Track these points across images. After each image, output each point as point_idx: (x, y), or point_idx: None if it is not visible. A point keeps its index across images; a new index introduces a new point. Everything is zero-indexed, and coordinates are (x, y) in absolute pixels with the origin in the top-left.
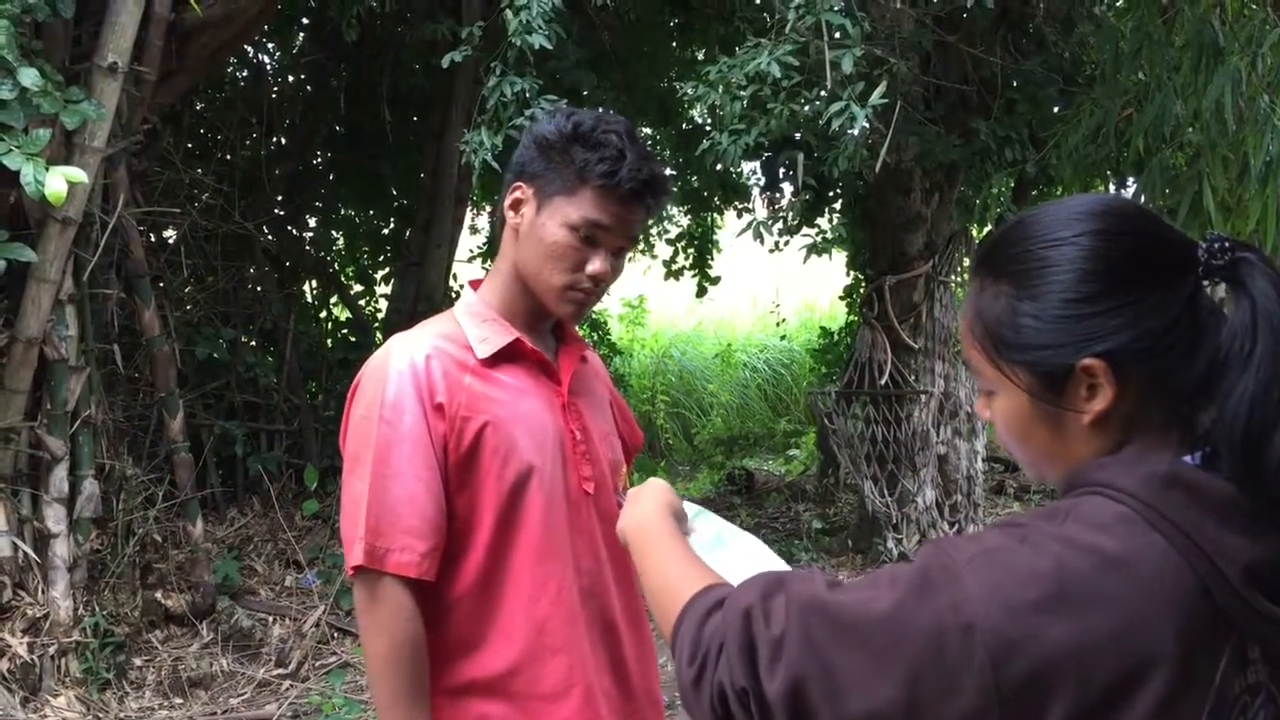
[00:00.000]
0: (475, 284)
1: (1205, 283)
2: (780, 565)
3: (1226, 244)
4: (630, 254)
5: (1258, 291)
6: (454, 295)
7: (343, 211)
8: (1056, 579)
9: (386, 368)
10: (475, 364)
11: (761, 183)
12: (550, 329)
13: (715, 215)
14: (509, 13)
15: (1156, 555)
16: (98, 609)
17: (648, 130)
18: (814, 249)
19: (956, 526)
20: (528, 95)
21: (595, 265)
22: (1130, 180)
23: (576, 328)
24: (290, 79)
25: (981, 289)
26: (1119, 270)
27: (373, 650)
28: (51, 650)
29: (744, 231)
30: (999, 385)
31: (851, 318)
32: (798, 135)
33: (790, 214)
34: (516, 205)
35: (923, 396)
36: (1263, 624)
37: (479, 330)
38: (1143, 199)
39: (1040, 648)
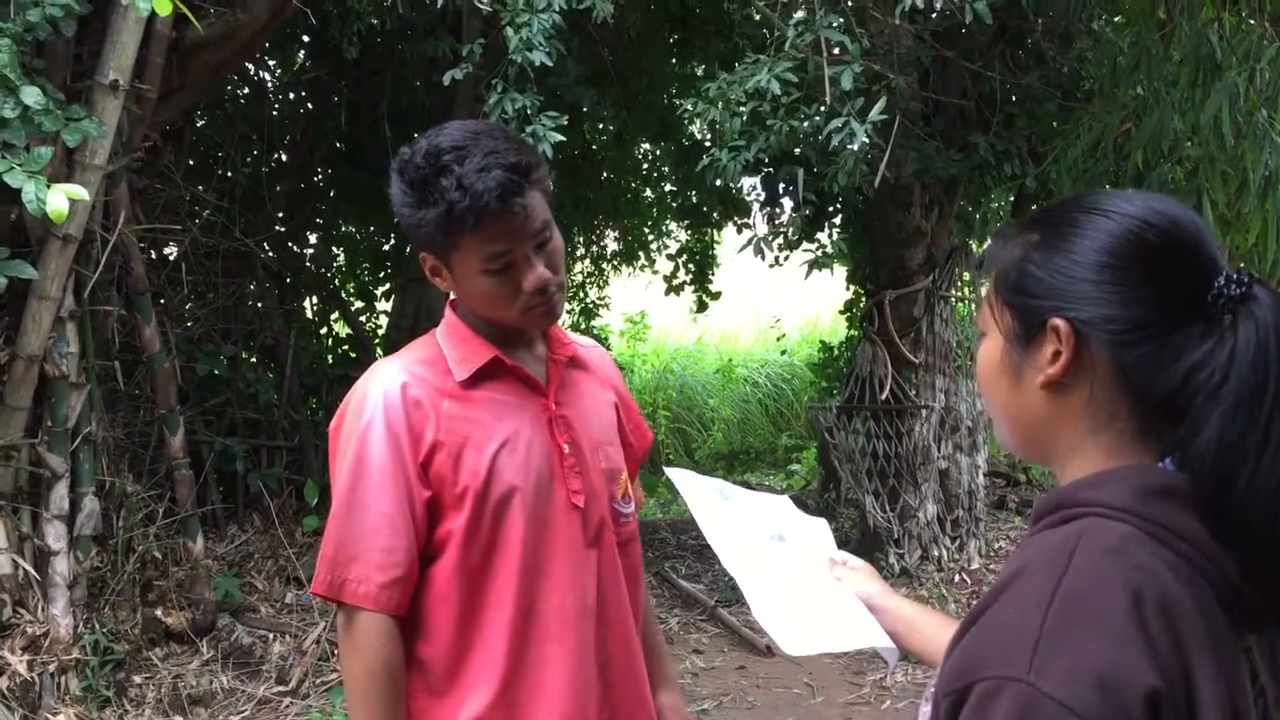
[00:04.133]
0: (455, 305)
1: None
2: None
3: (1246, 279)
4: (551, 230)
5: (1244, 333)
6: None
7: (343, 228)
8: (1110, 632)
9: (364, 401)
10: (453, 387)
11: (761, 198)
12: (540, 336)
13: (715, 231)
14: (509, 30)
15: (1167, 571)
16: (98, 626)
17: (647, 145)
18: (814, 264)
19: (958, 541)
20: (529, 112)
21: (529, 280)
22: None
23: (566, 331)
24: (291, 96)
25: (1015, 237)
26: (1133, 257)
27: (348, 674)
28: (51, 668)
29: (745, 247)
30: (989, 326)
31: (852, 332)
32: (797, 151)
33: (790, 229)
34: (435, 271)
35: (924, 411)
36: (1260, 616)
37: (457, 352)
38: None
39: (1139, 690)
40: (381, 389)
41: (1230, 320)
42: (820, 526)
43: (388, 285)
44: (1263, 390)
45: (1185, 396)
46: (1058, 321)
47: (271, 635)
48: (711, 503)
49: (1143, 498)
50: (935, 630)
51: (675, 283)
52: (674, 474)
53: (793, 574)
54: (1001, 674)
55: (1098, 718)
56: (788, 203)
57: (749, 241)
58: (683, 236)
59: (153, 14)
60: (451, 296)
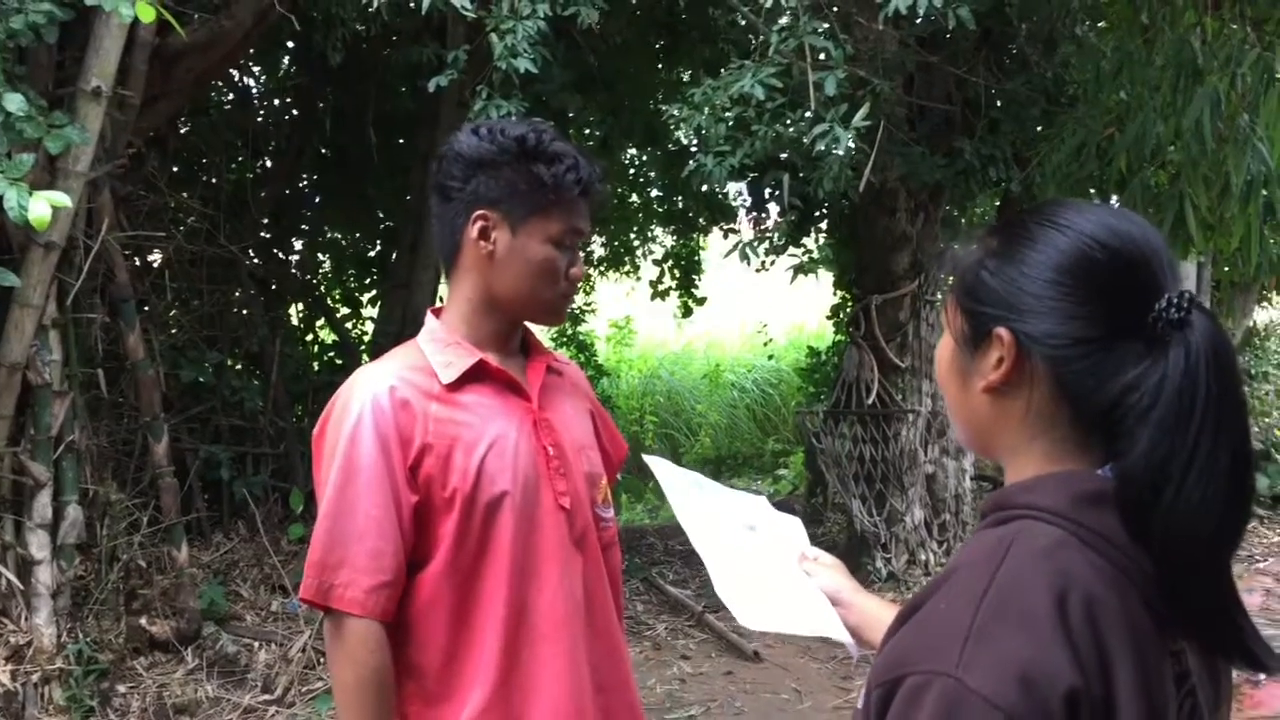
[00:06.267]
0: (437, 311)
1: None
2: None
3: (1186, 305)
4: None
5: (1175, 357)
6: None
7: (329, 234)
8: (1034, 631)
9: (349, 405)
10: (440, 391)
11: (747, 203)
12: (519, 344)
13: (701, 236)
14: (494, 36)
15: (1095, 575)
16: (81, 636)
17: (633, 151)
18: (800, 269)
19: (945, 546)
20: (514, 118)
21: (576, 268)
22: (1114, 199)
23: (544, 340)
24: (275, 102)
25: (977, 241)
26: (1079, 275)
27: (337, 681)
28: (35, 678)
29: (731, 252)
30: (946, 324)
31: (839, 337)
32: (782, 156)
33: (776, 234)
34: (485, 233)
35: (910, 415)
36: (1192, 619)
37: (443, 356)
38: None
39: (1059, 687)
40: (369, 392)
41: (1167, 347)
42: (794, 524)
43: (373, 292)
44: (1189, 415)
45: (1119, 414)
46: (1002, 331)
47: (257, 643)
48: (687, 490)
49: (1076, 503)
50: None
51: (661, 288)
52: (652, 461)
53: (760, 560)
54: (931, 668)
55: (1019, 713)
56: (773, 208)
57: (735, 246)
58: (668, 242)
59: (136, 20)
60: (436, 305)
